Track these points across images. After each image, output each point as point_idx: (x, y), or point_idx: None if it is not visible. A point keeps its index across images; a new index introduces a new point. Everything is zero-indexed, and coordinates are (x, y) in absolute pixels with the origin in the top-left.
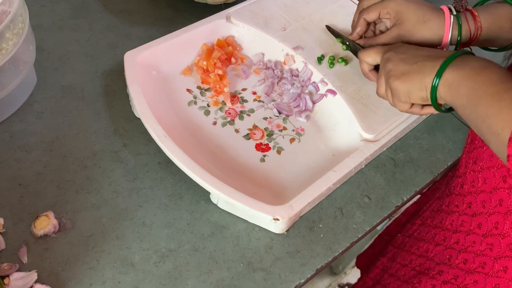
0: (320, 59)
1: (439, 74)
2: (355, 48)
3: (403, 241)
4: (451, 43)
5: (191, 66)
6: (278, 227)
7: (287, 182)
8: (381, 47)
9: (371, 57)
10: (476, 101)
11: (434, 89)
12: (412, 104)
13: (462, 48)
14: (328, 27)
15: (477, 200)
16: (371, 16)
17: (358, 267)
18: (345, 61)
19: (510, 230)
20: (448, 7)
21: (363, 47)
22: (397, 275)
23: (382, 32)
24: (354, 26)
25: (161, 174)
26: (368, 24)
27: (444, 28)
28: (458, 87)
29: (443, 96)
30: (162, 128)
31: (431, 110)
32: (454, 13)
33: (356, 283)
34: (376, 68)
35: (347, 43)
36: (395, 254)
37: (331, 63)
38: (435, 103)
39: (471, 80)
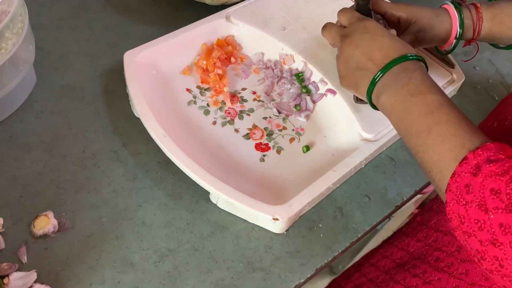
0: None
1: (371, 89)
2: (367, 11)
3: (392, 236)
4: (458, 37)
5: (191, 65)
6: (277, 227)
7: (286, 182)
8: (351, 17)
9: (342, 20)
10: (407, 134)
11: (371, 104)
12: None
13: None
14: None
15: None
16: (376, 9)
17: None
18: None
19: None
20: (450, 3)
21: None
22: (377, 265)
23: None
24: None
25: (161, 173)
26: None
27: (452, 23)
28: (390, 113)
29: (381, 111)
30: (162, 128)
31: None
32: (455, 9)
33: (341, 273)
34: None
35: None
36: (379, 246)
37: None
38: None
39: (399, 110)
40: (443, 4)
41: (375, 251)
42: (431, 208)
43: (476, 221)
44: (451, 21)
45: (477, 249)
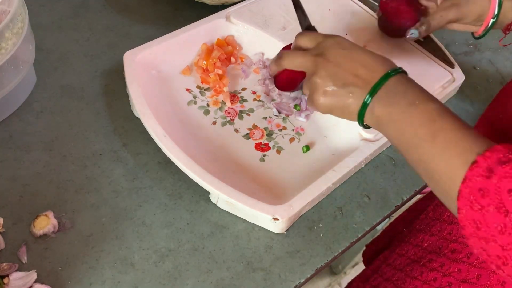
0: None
1: (364, 107)
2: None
3: (406, 234)
4: (492, 22)
5: (191, 65)
6: (277, 227)
7: (286, 182)
8: (316, 37)
9: (305, 42)
10: (408, 145)
11: (360, 121)
12: None
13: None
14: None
15: None
16: None
17: (364, 263)
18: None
19: None
20: None
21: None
22: (394, 264)
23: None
24: None
25: (161, 173)
26: None
27: (490, 4)
28: (388, 126)
29: (373, 127)
30: (162, 128)
31: None
32: None
33: (357, 275)
34: None
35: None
36: (395, 246)
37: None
38: (364, 127)
39: (399, 120)
40: None
41: (392, 251)
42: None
43: (495, 225)
44: (489, 4)
45: (497, 254)
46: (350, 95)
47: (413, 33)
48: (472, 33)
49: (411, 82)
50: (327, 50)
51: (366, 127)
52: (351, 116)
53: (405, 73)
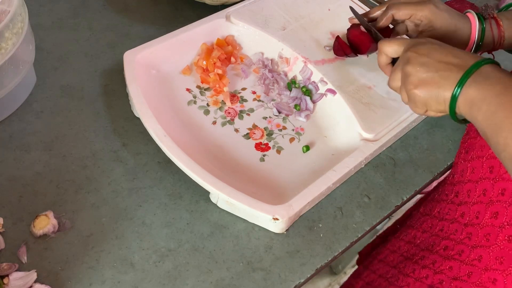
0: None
1: (459, 88)
2: (376, 36)
3: (398, 230)
4: (474, 50)
5: (191, 65)
6: (277, 227)
7: (286, 182)
8: (405, 40)
9: (393, 49)
10: (497, 128)
11: (453, 105)
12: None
13: (484, 54)
14: (352, 9)
15: (463, 189)
16: (401, 14)
17: (357, 264)
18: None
19: (489, 221)
20: (474, 14)
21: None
22: (386, 260)
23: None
24: (379, 19)
25: (161, 173)
26: (393, 21)
27: (470, 36)
28: (480, 108)
29: (463, 113)
30: (162, 128)
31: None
32: (477, 22)
33: (351, 275)
34: (393, 61)
35: (371, 30)
36: (387, 241)
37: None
38: (454, 116)
39: (493, 103)
40: (468, 12)
41: (383, 246)
42: (433, 198)
43: None
44: (470, 35)
45: None
46: (444, 80)
47: None
48: None
49: (505, 70)
50: (418, 46)
51: (454, 117)
52: (445, 104)
53: (497, 64)
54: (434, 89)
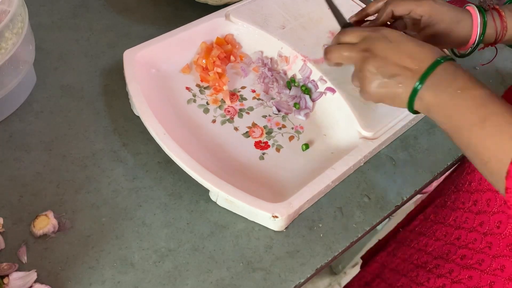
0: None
1: (414, 95)
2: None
3: (404, 235)
4: (477, 42)
5: (190, 64)
6: (277, 225)
7: (286, 180)
8: (361, 33)
9: (350, 38)
10: (457, 130)
11: (410, 109)
12: None
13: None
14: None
15: (482, 198)
16: (400, 10)
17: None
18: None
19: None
20: (474, 6)
21: None
22: (397, 269)
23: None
24: (378, 15)
25: (161, 173)
26: (392, 17)
27: (472, 29)
28: (437, 112)
29: (423, 113)
30: (162, 126)
31: None
32: (478, 14)
33: (354, 278)
34: None
35: (350, 24)
36: (395, 248)
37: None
38: (414, 112)
39: (448, 106)
40: (468, 6)
41: (394, 255)
42: (445, 205)
43: None
44: (472, 28)
45: None
46: (400, 85)
47: None
48: (453, 50)
49: (460, 69)
50: (374, 44)
51: (416, 112)
52: (401, 105)
53: (453, 60)
54: (390, 94)
